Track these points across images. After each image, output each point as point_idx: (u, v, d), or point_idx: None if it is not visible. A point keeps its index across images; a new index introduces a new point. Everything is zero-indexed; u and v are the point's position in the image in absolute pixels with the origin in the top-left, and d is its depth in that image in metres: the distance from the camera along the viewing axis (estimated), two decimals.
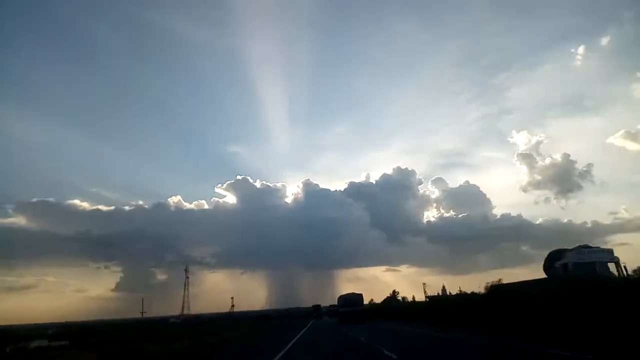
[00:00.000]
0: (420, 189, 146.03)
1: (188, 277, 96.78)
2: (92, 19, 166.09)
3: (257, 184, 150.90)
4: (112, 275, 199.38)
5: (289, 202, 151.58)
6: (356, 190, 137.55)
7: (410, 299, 46.76)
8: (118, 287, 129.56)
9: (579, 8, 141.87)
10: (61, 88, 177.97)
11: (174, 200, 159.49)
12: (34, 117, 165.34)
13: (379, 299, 57.71)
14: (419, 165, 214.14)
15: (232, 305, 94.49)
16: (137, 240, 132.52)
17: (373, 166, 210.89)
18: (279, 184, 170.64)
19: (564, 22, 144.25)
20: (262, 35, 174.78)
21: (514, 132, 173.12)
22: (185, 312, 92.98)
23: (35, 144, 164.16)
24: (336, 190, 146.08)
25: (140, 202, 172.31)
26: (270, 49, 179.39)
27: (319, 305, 76.99)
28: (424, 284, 55.59)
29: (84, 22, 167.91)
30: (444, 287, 46.48)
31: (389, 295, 49.89)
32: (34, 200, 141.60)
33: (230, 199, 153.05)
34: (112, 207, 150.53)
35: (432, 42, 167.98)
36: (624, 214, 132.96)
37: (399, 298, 46.70)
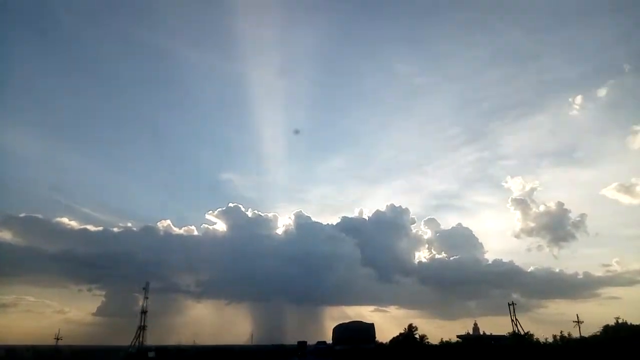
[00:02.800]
0: (413, 228, 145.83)
1: (147, 297, 77.80)
2: (91, 35, 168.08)
3: (249, 213, 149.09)
4: (93, 299, 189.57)
5: (280, 233, 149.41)
6: (348, 225, 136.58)
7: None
8: (99, 312, 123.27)
9: (578, 58, 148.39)
10: (57, 104, 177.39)
11: (163, 224, 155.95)
12: (30, 132, 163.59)
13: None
14: (411, 204, 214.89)
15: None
16: (123, 264, 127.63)
17: (366, 202, 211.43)
18: (270, 214, 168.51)
19: (563, 71, 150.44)
20: (262, 64, 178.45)
21: (508, 177, 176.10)
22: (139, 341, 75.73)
23: (28, 158, 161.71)
24: (328, 224, 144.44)
25: (129, 225, 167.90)
26: (270, 78, 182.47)
27: (305, 343, 69.07)
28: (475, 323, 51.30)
29: (84, 37, 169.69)
30: (475, 324, 43.26)
31: (402, 331, 44.25)
32: (22, 215, 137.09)
33: (221, 226, 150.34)
34: (101, 228, 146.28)
35: (430, 85, 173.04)
36: (616, 267, 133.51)
37: (416, 336, 41.18)
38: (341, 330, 29.14)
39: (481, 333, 53.77)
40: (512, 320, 45.09)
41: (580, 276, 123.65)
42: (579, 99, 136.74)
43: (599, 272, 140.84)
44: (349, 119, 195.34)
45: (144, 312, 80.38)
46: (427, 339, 40.38)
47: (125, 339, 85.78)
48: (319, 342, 59.13)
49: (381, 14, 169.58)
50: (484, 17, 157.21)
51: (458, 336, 38.50)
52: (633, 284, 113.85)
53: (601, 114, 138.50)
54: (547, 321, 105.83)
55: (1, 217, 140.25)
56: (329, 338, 53.91)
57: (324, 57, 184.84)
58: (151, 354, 46.18)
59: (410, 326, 41.39)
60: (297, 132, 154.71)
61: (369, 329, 28.73)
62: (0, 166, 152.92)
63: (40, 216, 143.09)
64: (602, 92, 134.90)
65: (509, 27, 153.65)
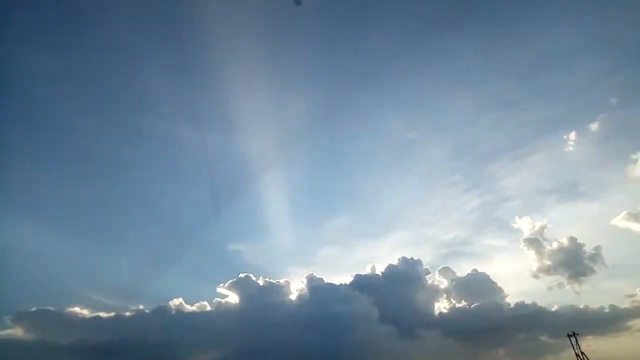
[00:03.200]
0: (428, 279, 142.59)
1: None
2: (90, 124, 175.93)
3: (260, 282, 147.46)
4: None
5: (294, 298, 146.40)
6: (362, 283, 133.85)
7: None
8: None
9: (566, 97, 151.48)
10: (60, 195, 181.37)
11: (175, 303, 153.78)
12: (34, 226, 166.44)
13: None
14: (423, 255, 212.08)
15: None
16: (136, 349, 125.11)
17: (377, 257, 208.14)
18: (282, 280, 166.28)
19: (553, 111, 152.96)
20: (259, 136, 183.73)
21: (516, 217, 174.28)
22: None
23: (36, 252, 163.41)
24: (342, 283, 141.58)
25: (141, 307, 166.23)
26: (268, 148, 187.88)
27: None
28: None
29: (84, 128, 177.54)
30: None
31: None
32: (33, 309, 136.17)
33: (233, 298, 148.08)
34: (113, 314, 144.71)
35: (423, 137, 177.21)
36: None
37: None
38: None
39: None
40: (578, 356, 41.71)
41: (607, 310, 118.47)
42: (572, 135, 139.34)
43: (625, 304, 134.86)
44: (349, 178, 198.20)
45: None
46: None
47: None
48: None
49: (370, 76, 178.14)
50: (467, 71, 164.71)
51: None
52: None
53: (597, 147, 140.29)
54: None
55: (11, 315, 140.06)
56: None
57: (319, 123, 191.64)
58: None
59: None
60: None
61: None
62: (9, 265, 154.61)
63: (51, 308, 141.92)
64: (594, 126, 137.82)
65: (493, 77, 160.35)
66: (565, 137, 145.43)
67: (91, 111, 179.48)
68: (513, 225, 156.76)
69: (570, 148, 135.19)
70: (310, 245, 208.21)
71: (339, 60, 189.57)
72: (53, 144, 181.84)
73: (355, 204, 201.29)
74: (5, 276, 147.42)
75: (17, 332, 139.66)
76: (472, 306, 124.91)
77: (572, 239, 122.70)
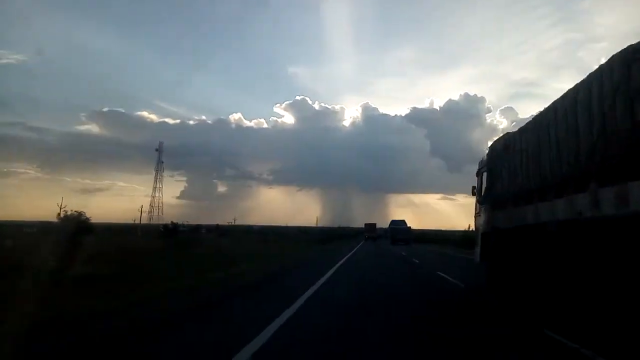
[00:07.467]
0: (487, 118, 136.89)
1: (163, 162, 66.16)
2: None
3: (316, 106, 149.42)
4: (176, 184, 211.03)
5: (347, 125, 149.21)
6: (418, 117, 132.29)
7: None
8: (182, 195, 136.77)
9: None
10: (143, 4, 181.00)
11: (234, 117, 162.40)
12: (112, 33, 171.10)
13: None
14: (487, 93, 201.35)
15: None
16: (200, 153, 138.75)
17: (438, 92, 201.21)
18: (337, 107, 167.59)
19: None
20: None
21: (603, 60, 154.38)
22: (156, 215, 63.30)
23: (110, 57, 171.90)
24: (397, 115, 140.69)
25: (203, 117, 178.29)
26: None
27: (374, 225, 60.87)
28: None
29: None
30: None
31: None
32: (105, 109, 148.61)
33: (289, 118, 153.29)
34: (178, 121, 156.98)
35: None
36: None
37: None
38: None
39: None
40: None
41: None
42: None
43: None
44: (419, 3, 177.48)
45: (158, 181, 66.54)
46: None
47: (205, 219, 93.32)
48: (393, 222, 51.60)
49: None
50: None
51: None
52: None
53: None
54: None
55: (87, 112, 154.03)
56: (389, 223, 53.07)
57: None
58: None
59: None
60: None
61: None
62: (84, 66, 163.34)
63: (122, 110, 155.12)
64: None
65: None
66: None
67: None
68: (596, 67, 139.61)
69: None
70: (369, 75, 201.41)
71: None
72: None
73: (423, 33, 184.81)
74: (80, 76, 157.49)
75: (93, 128, 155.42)
76: None
77: None
